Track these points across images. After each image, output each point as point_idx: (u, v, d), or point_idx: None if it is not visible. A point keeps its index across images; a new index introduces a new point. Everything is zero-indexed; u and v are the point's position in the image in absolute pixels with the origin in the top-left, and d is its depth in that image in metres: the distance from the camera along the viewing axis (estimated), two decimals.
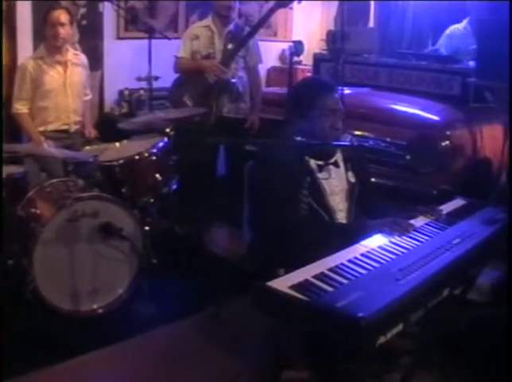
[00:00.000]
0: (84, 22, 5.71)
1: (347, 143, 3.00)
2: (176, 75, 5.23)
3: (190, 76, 5.12)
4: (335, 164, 3.04)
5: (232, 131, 4.89)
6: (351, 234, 2.72)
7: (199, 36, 5.12)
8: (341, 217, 3.00)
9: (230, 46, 5.03)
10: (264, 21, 5.26)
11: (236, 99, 5.14)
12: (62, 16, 4.47)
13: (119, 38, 6.05)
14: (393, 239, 2.59)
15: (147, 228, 4.06)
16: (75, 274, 3.59)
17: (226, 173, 5.36)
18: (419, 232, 2.70)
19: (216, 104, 5.03)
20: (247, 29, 5.16)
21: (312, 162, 2.98)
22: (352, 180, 3.07)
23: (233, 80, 5.06)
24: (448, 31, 6.00)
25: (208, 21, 5.18)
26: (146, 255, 3.83)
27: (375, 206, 3.13)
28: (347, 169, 3.08)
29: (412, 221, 2.79)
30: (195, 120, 4.80)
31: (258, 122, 5.20)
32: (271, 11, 5.03)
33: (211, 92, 5.01)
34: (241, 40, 5.03)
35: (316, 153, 2.98)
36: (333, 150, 3.07)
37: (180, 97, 5.11)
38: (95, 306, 3.70)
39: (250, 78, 5.23)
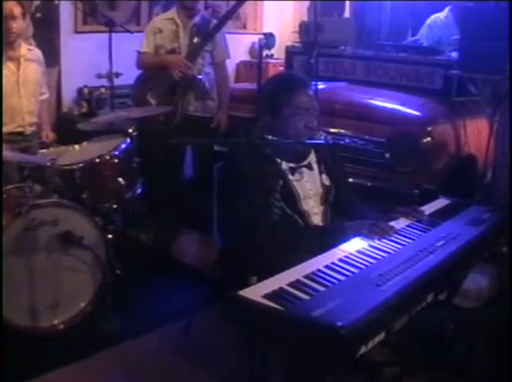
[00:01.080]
0: (39, 15, 5.64)
1: (321, 142, 2.99)
2: (139, 71, 5.21)
3: (153, 72, 5.10)
4: (309, 166, 3.05)
5: (199, 131, 4.88)
6: (327, 237, 2.73)
7: (163, 29, 5.10)
8: (316, 221, 3.01)
9: (196, 40, 5.03)
10: (232, 14, 5.24)
11: (203, 96, 5.14)
12: (14, 8, 4.42)
13: (77, 32, 6.01)
14: (372, 243, 2.60)
15: (110, 236, 4.05)
16: (34, 287, 3.57)
17: (195, 176, 5.36)
18: (400, 235, 2.71)
19: (182, 102, 5.03)
20: (214, 21, 5.15)
21: (284, 164, 2.98)
22: (326, 183, 3.09)
23: (199, 77, 5.05)
24: (428, 21, 6.03)
25: (172, 13, 5.16)
26: (110, 265, 3.82)
27: (353, 208, 3.13)
28: (320, 172, 3.09)
29: (392, 223, 2.80)
30: (160, 119, 4.80)
31: (226, 121, 5.21)
32: (239, 3, 5.03)
33: (176, 90, 5.00)
34: (207, 34, 5.03)
35: (289, 155, 2.98)
36: (306, 152, 3.07)
37: (143, 95, 5.09)
38: (55, 322, 3.68)
39: (217, 74, 5.23)
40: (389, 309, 2.05)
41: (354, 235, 2.68)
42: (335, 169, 3.16)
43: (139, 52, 5.15)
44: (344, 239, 2.65)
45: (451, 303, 3.20)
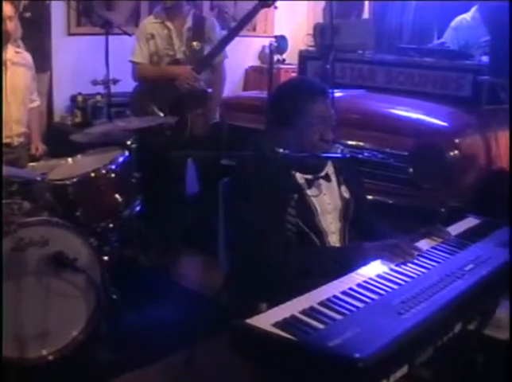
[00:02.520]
0: (28, 15, 5.64)
1: (337, 156, 2.98)
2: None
3: (153, 83, 5.12)
4: (326, 177, 3.03)
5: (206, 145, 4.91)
6: (344, 259, 2.73)
7: (155, 35, 5.12)
8: (334, 240, 3.00)
9: (194, 46, 5.03)
10: (244, 23, 5.21)
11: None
12: (7, 8, 4.42)
13: (70, 34, 6.06)
14: (394, 267, 2.59)
15: (106, 257, 4.05)
16: (21, 313, 3.56)
17: (199, 192, 5.37)
18: (425, 258, 2.70)
19: (191, 117, 5.03)
20: (208, 20, 5.17)
21: (299, 176, 2.96)
22: (346, 195, 3.08)
23: (209, 90, 5.07)
24: (453, 23, 6.04)
25: (161, 14, 5.16)
26: (105, 289, 3.82)
27: (372, 228, 3.13)
28: (339, 183, 3.08)
29: (415, 244, 2.80)
30: (166, 133, 4.81)
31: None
32: (254, 11, 4.99)
33: (185, 103, 5.01)
34: (217, 47, 5.02)
35: (304, 166, 2.97)
36: (323, 163, 3.06)
37: (145, 106, 5.10)
38: (44, 352, 3.67)
39: (214, 76, 5.25)
40: (412, 339, 2.04)
41: (374, 258, 2.67)
42: (354, 183, 3.15)
43: (134, 63, 5.15)
44: (363, 261, 2.64)
45: (482, 333, 3.18)
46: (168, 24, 5.08)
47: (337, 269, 2.56)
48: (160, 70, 5.11)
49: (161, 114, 5.04)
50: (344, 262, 2.69)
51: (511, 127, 4.33)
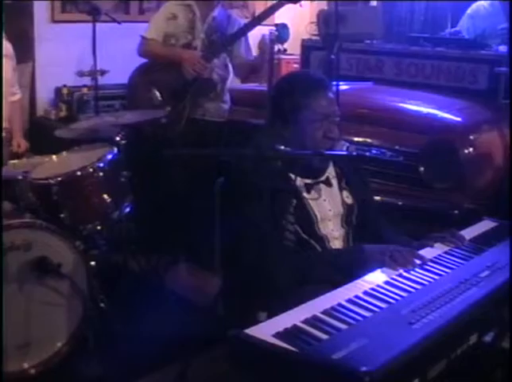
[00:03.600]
0: (8, 1, 5.62)
1: (343, 154, 2.98)
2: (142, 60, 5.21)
3: (160, 65, 5.12)
4: (327, 182, 3.04)
5: (209, 138, 4.91)
6: (342, 262, 2.75)
7: (178, 15, 5.14)
8: (336, 246, 3.00)
9: (213, 37, 5.05)
10: (263, 19, 5.17)
11: (215, 98, 5.19)
12: None
13: (54, 21, 6.06)
14: (404, 273, 2.60)
15: (93, 263, 4.06)
16: (1, 323, 3.56)
17: (193, 192, 5.37)
18: (437, 263, 2.71)
19: (190, 105, 5.04)
20: (233, 16, 5.20)
21: (299, 181, 2.96)
22: (348, 201, 3.08)
23: (214, 79, 5.09)
24: (469, 10, 6.06)
25: None
26: (92, 297, 3.82)
27: (379, 232, 3.12)
28: (341, 188, 3.08)
29: (427, 250, 2.80)
30: (162, 122, 4.80)
31: None
32: (276, 6, 4.96)
33: (186, 91, 5.02)
34: (231, 36, 5.05)
35: (304, 169, 2.96)
36: (324, 165, 3.07)
37: (144, 88, 5.10)
38: (25, 365, 3.67)
39: (236, 74, 5.33)
40: (423, 352, 2.04)
41: (375, 262, 2.68)
42: (359, 186, 3.16)
43: (144, 38, 5.15)
44: (364, 265, 2.66)
45: (500, 346, 3.18)
46: (196, 8, 5.11)
47: (336, 274, 2.57)
48: (169, 50, 5.12)
49: (158, 99, 5.03)
50: (343, 266, 2.71)
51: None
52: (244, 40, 5.28)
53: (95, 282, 3.92)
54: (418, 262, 2.70)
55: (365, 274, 2.59)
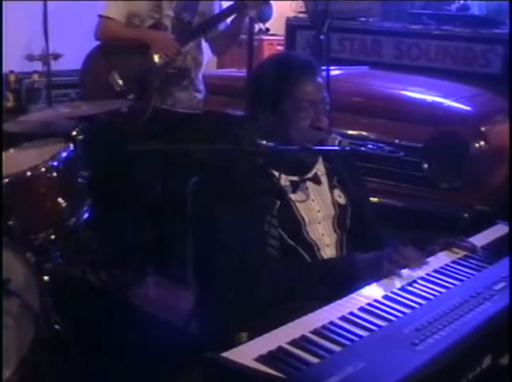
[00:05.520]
0: None
1: (334, 148, 2.98)
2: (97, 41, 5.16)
3: (121, 46, 5.05)
4: (315, 179, 3.04)
5: (180, 132, 4.91)
6: (332, 274, 2.76)
7: None
8: (328, 255, 3.00)
9: (184, 16, 5.02)
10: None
11: (187, 86, 5.16)
12: None
13: None
14: (405, 286, 2.59)
15: (46, 277, 4.04)
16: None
17: (163, 194, 5.37)
18: (444, 274, 2.71)
19: (156, 93, 5.01)
20: None
21: (284, 179, 2.97)
22: (341, 201, 3.08)
23: (188, 67, 5.07)
24: None
25: None
26: (45, 317, 3.81)
27: (376, 238, 3.11)
28: (332, 186, 3.08)
29: (432, 259, 2.81)
30: (123, 112, 4.76)
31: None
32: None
33: (155, 78, 4.98)
34: (211, 20, 5.01)
35: (289, 166, 2.96)
36: (312, 160, 3.07)
37: (104, 73, 5.02)
38: None
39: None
40: (429, 376, 2.04)
41: (372, 273, 2.68)
42: (352, 185, 3.16)
43: (103, 17, 5.06)
44: (359, 278, 2.66)
45: None
46: None
47: (326, 288, 2.57)
48: (135, 31, 5.03)
49: (120, 85, 4.98)
50: (335, 279, 2.71)
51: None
52: (218, 9, 5.22)
53: (49, 299, 3.90)
54: (419, 262, 2.71)
55: (361, 287, 2.59)
